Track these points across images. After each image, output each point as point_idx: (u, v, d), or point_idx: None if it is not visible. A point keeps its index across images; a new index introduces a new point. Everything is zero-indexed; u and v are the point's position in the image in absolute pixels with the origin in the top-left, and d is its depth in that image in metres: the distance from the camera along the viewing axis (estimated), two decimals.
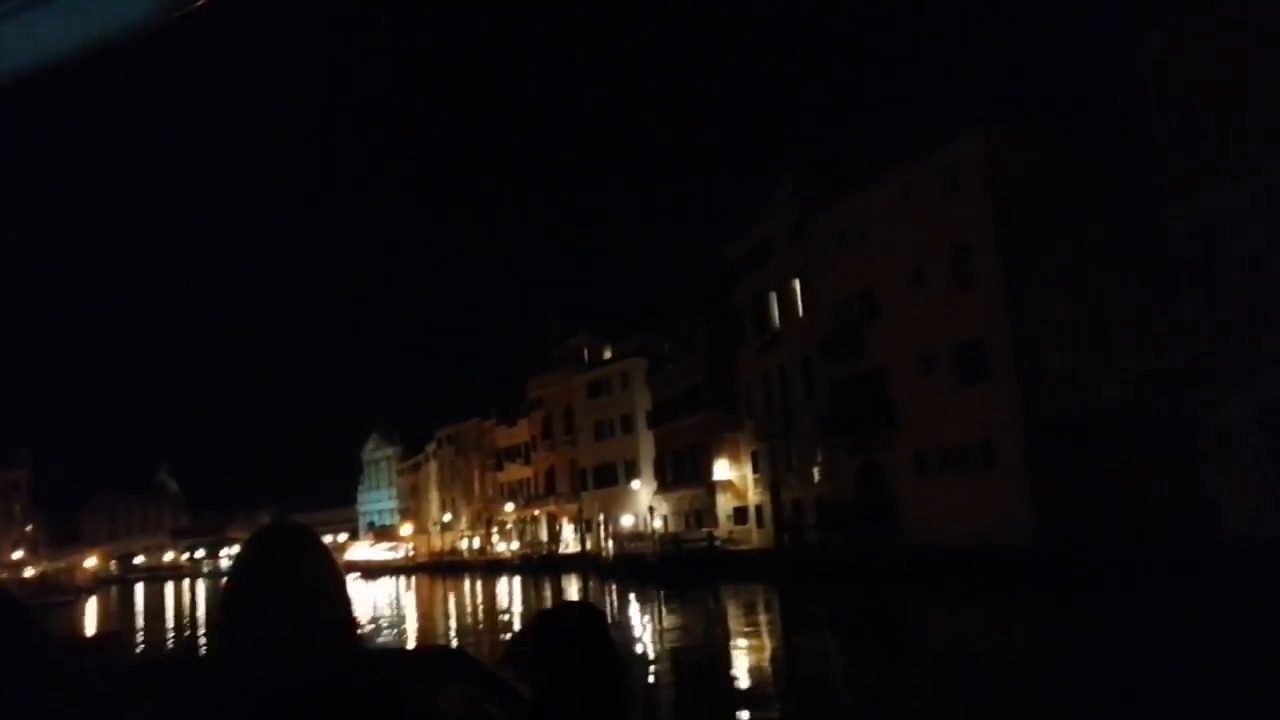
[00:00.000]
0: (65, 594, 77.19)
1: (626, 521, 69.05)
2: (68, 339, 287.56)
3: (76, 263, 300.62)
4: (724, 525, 56.73)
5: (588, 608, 2.15)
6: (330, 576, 1.57)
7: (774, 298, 52.14)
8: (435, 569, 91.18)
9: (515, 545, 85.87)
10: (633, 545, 60.08)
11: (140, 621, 54.67)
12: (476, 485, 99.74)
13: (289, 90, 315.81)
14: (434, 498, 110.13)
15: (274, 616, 1.48)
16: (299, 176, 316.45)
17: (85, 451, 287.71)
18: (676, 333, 61.70)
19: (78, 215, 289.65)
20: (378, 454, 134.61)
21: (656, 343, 65.37)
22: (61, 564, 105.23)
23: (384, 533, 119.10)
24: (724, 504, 57.26)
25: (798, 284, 49.74)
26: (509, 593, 58.13)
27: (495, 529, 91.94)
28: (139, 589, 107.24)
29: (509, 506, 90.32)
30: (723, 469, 57.21)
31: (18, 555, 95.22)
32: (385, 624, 41.87)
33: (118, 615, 62.66)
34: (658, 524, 65.46)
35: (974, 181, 37.62)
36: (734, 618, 37.39)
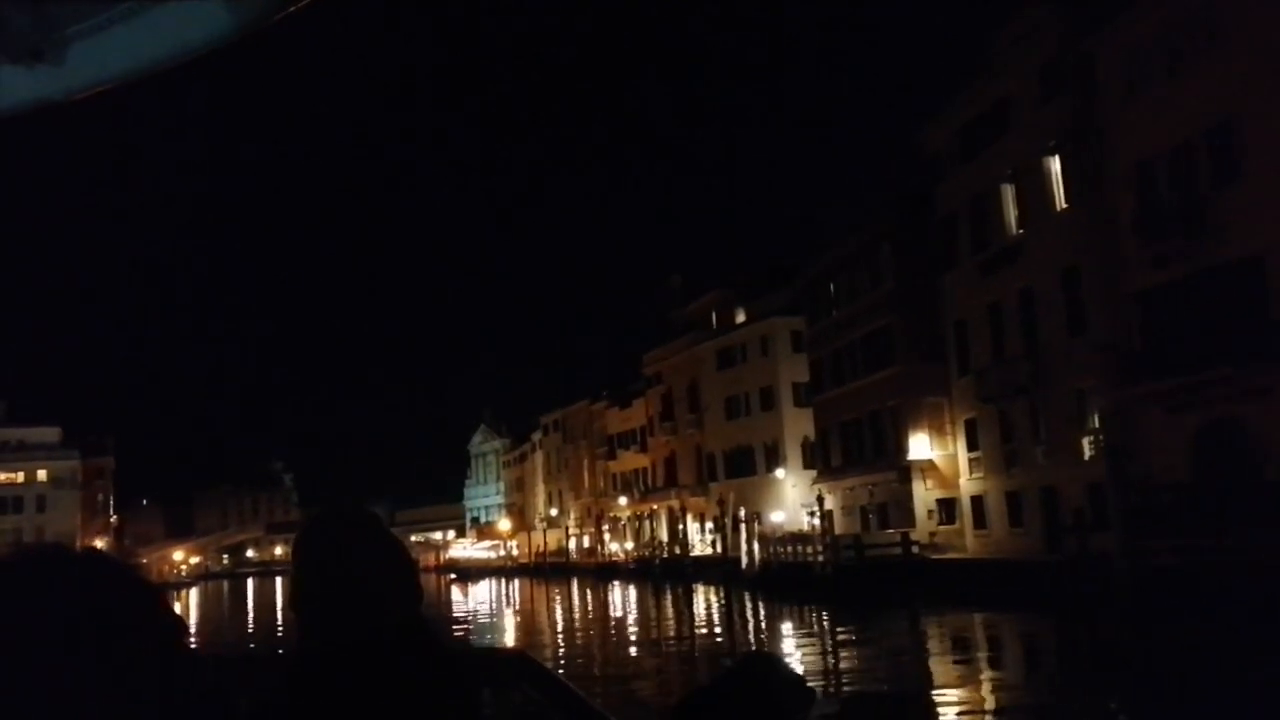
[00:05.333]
0: None
1: (776, 518, 51.01)
2: (190, 331, 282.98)
3: (193, 255, 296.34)
4: (922, 524, 38.31)
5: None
6: (366, 559, 1.56)
7: (1009, 191, 33.59)
8: (538, 571, 74.52)
9: (629, 545, 68.60)
10: (787, 549, 42.13)
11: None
12: (585, 476, 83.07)
13: (382, 72, 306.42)
14: (539, 491, 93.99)
15: (312, 596, 1.54)
16: (406, 163, 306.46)
17: (203, 444, 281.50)
18: (848, 265, 43.40)
19: (200, 210, 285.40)
20: (485, 447, 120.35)
21: (816, 286, 47.16)
22: (150, 557, 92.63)
23: (487, 530, 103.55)
24: (922, 495, 38.78)
25: (1055, 161, 31.13)
26: (634, 609, 40.78)
27: (606, 526, 74.77)
28: (250, 584, 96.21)
29: (622, 500, 73.34)
30: (920, 446, 38.77)
31: (100, 545, 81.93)
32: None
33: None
34: (815, 522, 47.35)
35: None
36: (964, 662, 22.55)
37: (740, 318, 61.70)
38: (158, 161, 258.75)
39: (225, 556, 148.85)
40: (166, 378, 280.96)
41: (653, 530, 63.77)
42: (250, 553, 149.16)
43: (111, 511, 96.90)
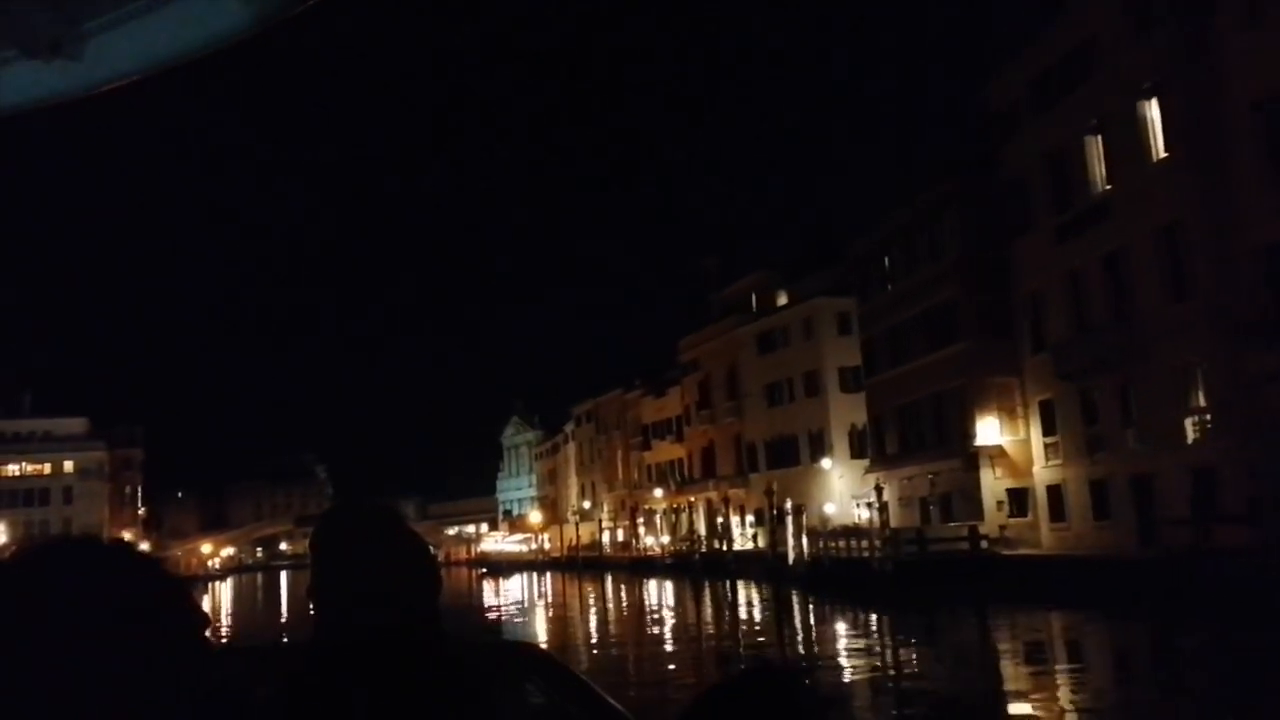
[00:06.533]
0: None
1: (829, 509, 47.41)
2: (226, 325, 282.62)
3: (222, 247, 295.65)
4: (991, 517, 34.56)
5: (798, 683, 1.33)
6: (378, 554, 1.54)
7: (1093, 144, 29.77)
8: (570, 565, 71.24)
9: (665, 539, 65.20)
10: (839, 544, 38.52)
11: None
12: (619, 468, 79.76)
13: (412, 64, 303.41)
14: (572, 483, 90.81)
15: (325, 589, 1.53)
16: (435, 151, 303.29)
17: (237, 438, 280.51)
18: (905, 235, 39.62)
19: (234, 201, 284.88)
20: (517, 439, 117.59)
21: (868, 260, 43.41)
22: (177, 550, 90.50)
23: (519, 523, 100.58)
24: (991, 484, 35.01)
25: (1152, 105, 27.27)
26: (674, 608, 37.38)
27: (641, 519, 71.39)
28: (284, 576, 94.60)
29: (657, 492, 69.88)
30: (988, 430, 34.99)
31: (128, 537, 79.64)
32: None
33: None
34: (864, 514, 43.80)
35: None
36: (1051, 673, 19.00)
37: (782, 300, 58.10)
38: (187, 152, 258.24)
39: (259, 550, 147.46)
40: (201, 372, 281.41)
41: (690, 523, 60.34)
42: (284, 546, 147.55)
43: (140, 503, 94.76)
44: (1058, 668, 20.31)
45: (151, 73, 1.92)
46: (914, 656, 23.20)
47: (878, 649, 24.52)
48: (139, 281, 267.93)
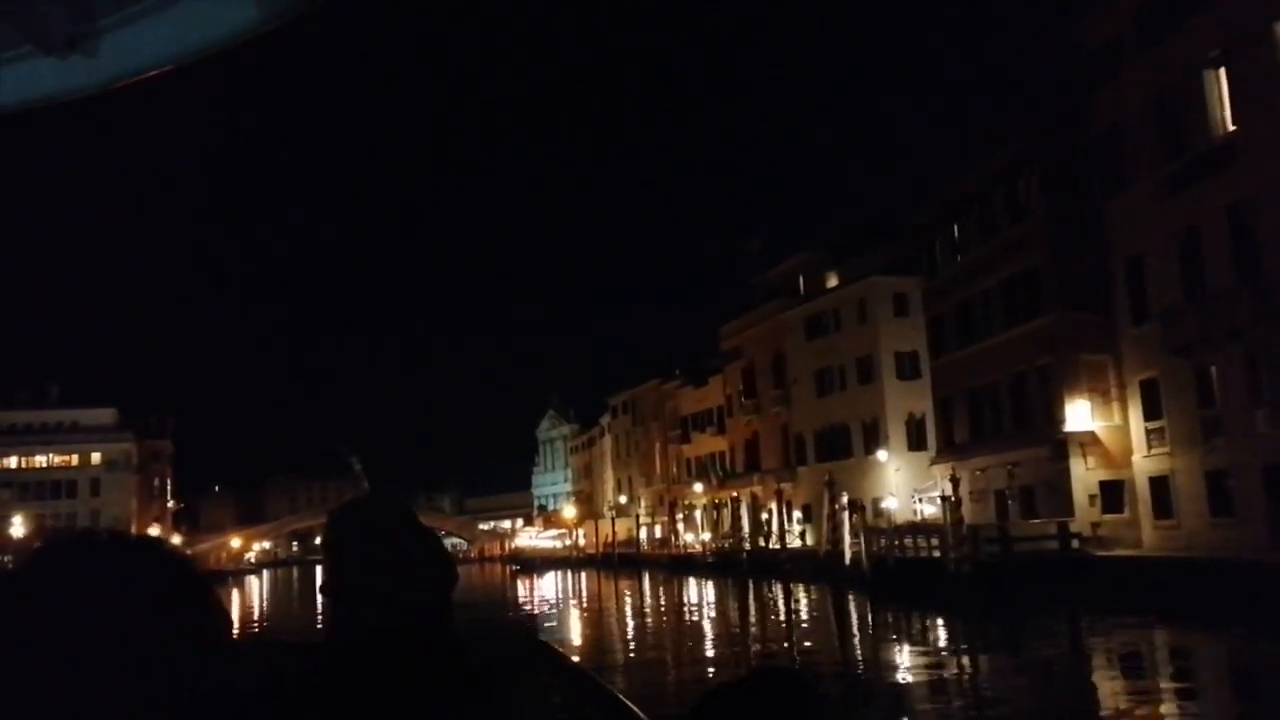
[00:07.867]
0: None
1: (890, 504, 43.19)
2: (261, 319, 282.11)
3: (256, 241, 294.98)
4: (1082, 512, 30.20)
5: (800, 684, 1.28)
6: (378, 552, 1.51)
7: (1214, 79, 25.32)
8: (606, 562, 67.48)
9: (706, 536, 61.19)
10: (906, 542, 34.29)
11: None
12: (657, 461, 75.90)
13: (430, 54, 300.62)
14: (608, 478, 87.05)
15: (336, 584, 1.51)
16: (467, 143, 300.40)
17: (274, 431, 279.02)
18: (979, 198, 35.20)
19: (268, 193, 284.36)
20: (553, 432, 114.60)
21: (933, 229, 39.02)
22: (206, 545, 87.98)
23: (553, 518, 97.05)
24: (1082, 475, 30.61)
25: None
26: (725, 616, 33.48)
27: (680, 515, 67.40)
28: (319, 571, 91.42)
29: (698, 487, 65.87)
30: (1079, 415, 30.58)
31: (154, 532, 77.11)
32: None
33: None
34: (926, 509, 39.55)
35: None
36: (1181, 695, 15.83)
37: (832, 281, 53.87)
38: (216, 142, 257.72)
39: (294, 544, 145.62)
40: (238, 365, 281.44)
41: (734, 519, 56.30)
42: (320, 540, 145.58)
43: (171, 496, 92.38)
44: (1164, 687, 16.71)
45: (166, 69, 1.89)
46: (1000, 670, 19.57)
47: (957, 661, 20.82)
48: (173, 275, 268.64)
